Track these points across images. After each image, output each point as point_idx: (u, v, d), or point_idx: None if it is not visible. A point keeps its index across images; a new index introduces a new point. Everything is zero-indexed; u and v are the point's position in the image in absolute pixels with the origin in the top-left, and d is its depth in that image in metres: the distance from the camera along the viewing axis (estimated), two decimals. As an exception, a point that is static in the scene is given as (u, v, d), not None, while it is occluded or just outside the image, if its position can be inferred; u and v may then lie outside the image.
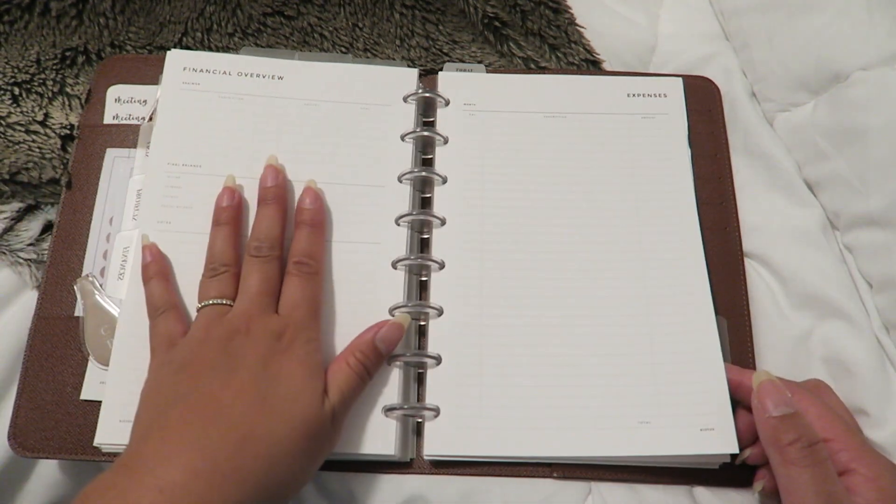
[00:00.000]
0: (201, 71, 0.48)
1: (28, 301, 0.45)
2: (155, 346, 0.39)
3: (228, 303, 0.40)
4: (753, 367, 0.44)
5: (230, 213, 0.43)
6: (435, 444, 0.41)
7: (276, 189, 0.44)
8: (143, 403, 0.37)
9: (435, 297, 0.44)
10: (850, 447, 0.36)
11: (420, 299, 0.45)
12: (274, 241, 0.42)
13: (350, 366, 0.39)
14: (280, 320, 0.39)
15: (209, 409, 0.34)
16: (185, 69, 0.48)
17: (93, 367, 0.42)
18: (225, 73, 0.48)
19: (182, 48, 0.54)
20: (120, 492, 0.31)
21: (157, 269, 0.42)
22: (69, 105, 0.51)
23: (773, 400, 0.36)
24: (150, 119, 0.48)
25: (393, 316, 0.43)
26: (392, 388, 0.42)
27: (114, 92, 0.50)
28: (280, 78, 0.49)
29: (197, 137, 0.46)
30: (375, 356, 0.40)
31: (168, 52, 0.48)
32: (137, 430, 0.35)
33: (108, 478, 0.32)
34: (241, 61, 0.49)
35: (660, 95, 0.50)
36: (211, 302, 0.40)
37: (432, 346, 0.43)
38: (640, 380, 0.42)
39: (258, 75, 0.48)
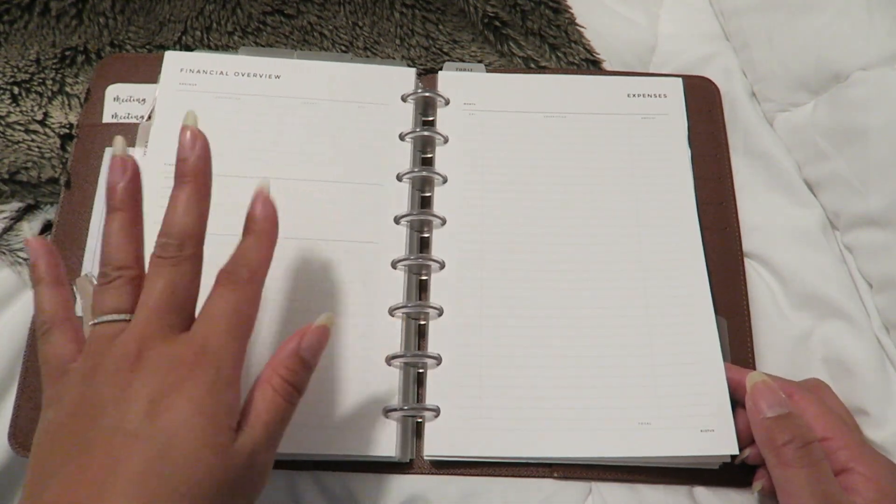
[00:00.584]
0: (198, 72, 0.48)
1: (28, 301, 0.45)
2: (44, 375, 0.32)
3: (126, 318, 0.31)
4: (753, 367, 0.44)
5: (127, 192, 0.33)
6: (435, 444, 0.41)
7: (197, 162, 0.33)
8: (31, 457, 0.30)
9: (435, 297, 0.44)
10: (849, 446, 0.36)
11: (420, 299, 0.45)
12: (187, 235, 0.32)
13: (275, 389, 0.32)
14: (183, 344, 0.30)
15: (86, 490, 0.27)
16: (182, 70, 0.48)
17: (92, 367, 0.42)
18: (222, 73, 0.48)
19: (182, 47, 0.54)
20: None
21: (46, 271, 0.33)
22: (69, 104, 0.50)
23: (768, 401, 0.36)
24: (149, 118, 0.48)
25: (392, 316, 0.43)
26: (392, 389, 0.42)
27: (113, 91, 0.50)
28: (277, 77, 0.49)
29: (201, 122, 0.46)
30: (304, 370, 0.33)
31: (165, 54, 0.48)
32: (23, 494, 0.29)
33: None
34: (238, 61, 0.49)
35: (660, 96, 0.50)
36: (105, 319, 0.31)
37: (432, 347, 0.43)
38: (639, 380, 0.42)
39: (255, 75, 0.48)
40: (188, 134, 0.34)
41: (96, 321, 0.31)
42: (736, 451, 0.39)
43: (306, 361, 0.33)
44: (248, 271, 0.33)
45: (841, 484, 0.35)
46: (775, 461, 0.36)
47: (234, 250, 0.33)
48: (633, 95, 0.50)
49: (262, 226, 0.34)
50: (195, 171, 0.33)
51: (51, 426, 0.30)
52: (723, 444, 0.40)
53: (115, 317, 0.31)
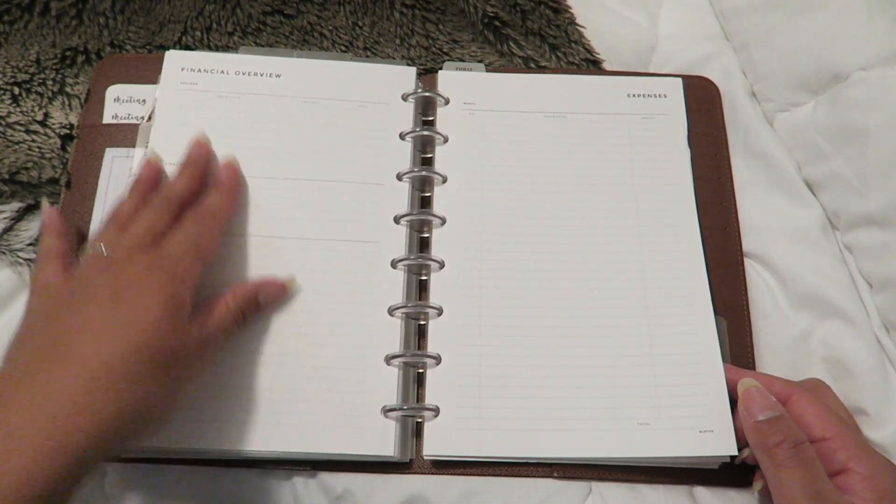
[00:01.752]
0: (199, 71, 0.48)
1: (28, 301, 0.45)
2: (31, 292, 0.39)
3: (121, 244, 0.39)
4: (753, 368, 0.44)
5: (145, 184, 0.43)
6: (435, 444, 0.41)
7: (200, 158, 0.44)
8: (9, 345, 0.36)
9: (434, 296, 0.44)
10: (847, 446, 0.36)
11: (419, 299, 0.45)
12: (178, 197, 0.41)
13: (228, 307, 0.40)
14: (150, 255, 0.38)
15: (57, 349, 0.34)
16: (182, 69, 0.48)
17: (92, 367, 0.42)
18: (222, 72, 0.48)
19: (182, 47, 0.54)
20: None
21: (54, 227, 0.41)
22: (69, 105, 0.51)
23: (759, 405, 0.37)
24: (149, 118, 0.48)
25: (392, 315, 0.43)
26: (391, 388, 0.42)
27: (113, 91, 0.50)
28: (278, 76, 0.49)
29: (201, 122, 0.46)
30: (254, 308, 0.42)
31: (166, 53, 0.48)
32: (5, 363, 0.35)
33: None
34: (239, 60, 0.49)
35: (659, 96, 0.50)
36: (92, 248, 0.39)
37: (432, 346, 0.43)
38: (639, 380, 0.42)
39: (256, 74, 0.48)
40: (196, 139, 0.44)
41: (90, 247, 0.39)
42: (735, 452, 0.39)
43: (259, 303, 0.42)
44: (210, 214, 0.42)
45: (838, 484, 0.35)
46: (768, 463, 0.36)
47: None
48: (633, 95, 0.50)
49: (227, 184, 0.44)
50: (198, 159, 0.44)
51: (30, 316, 0.37)
52: (722, 444, 0.40)
53: (101, 247, 0.39)
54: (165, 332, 0.36)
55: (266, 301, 0.42)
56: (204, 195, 0.43)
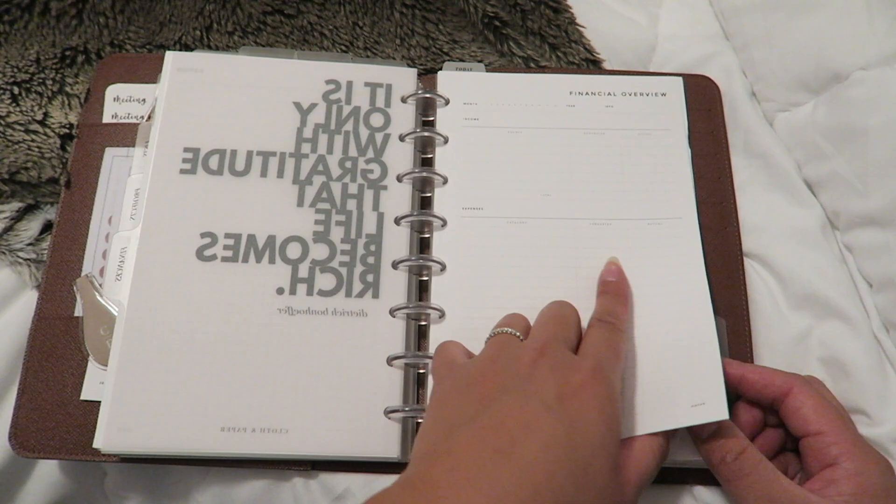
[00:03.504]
0: (199, 71, 0.48)
1: (28, 301, 0.45)
2: (436, 367, 0.38)
3: (520, 335, 0.36)
4: (753, 366, 0.44)
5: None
6: (435, 444, 0.41)
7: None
8: (428, 418, 0.33)
9: (435, 297, 0.44)
10: (840, 441, 0.36)
11: (420, 300, 0.45)
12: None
13: (660, 443, 0.35)
14: (579, 358, 0.34)
15: (499, 440, 0.30)
16: (182, 70, 0.48)
17: (93, 367, 0.42)
18: (222, 73, 0.48)
19: (181, 47, 0.53)
20: None
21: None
22: (69, 104, 0.50)
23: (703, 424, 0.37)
24: (149, 118, 0.48)
25: (393, 317, 0.43)
26: (393, 389, 0.42)
27: (112, 91, 0.50)
28: (278, 77, 0.48)
29: (201, 123, 0.47)
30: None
31: (166, 53, 0.48)
32: (421, 446, 0.32)
33: (393, 495, 0.29)
34: (239, 61, 0.49)
35: (659, 94, 0.50)
36: (501, 331, 0.36)
37: (433, 347, 0.43)
38: (639, 380, 0.42)
39: (255, 75, 0.48)
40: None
41: (492, 334, 0.37)
42: (726, 416, 0.39)
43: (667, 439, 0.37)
44: (614, 318, 0.39)
45: (824, 477, 0.36)
46: (721, 479, 0.37)
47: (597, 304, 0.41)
48: (633, 95, 0.50)
49: (616, 288, 0.41)
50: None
51: (449, 393, 0.34)
52: (714, 412, 0.39)
53: (511, 330, 0.36)
54: (603, 461, 0.31)
55: None
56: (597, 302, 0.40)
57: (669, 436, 0.36)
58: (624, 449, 0.34)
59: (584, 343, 0.36)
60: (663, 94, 0.50)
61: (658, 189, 0.47)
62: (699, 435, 0.38)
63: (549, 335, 0.35)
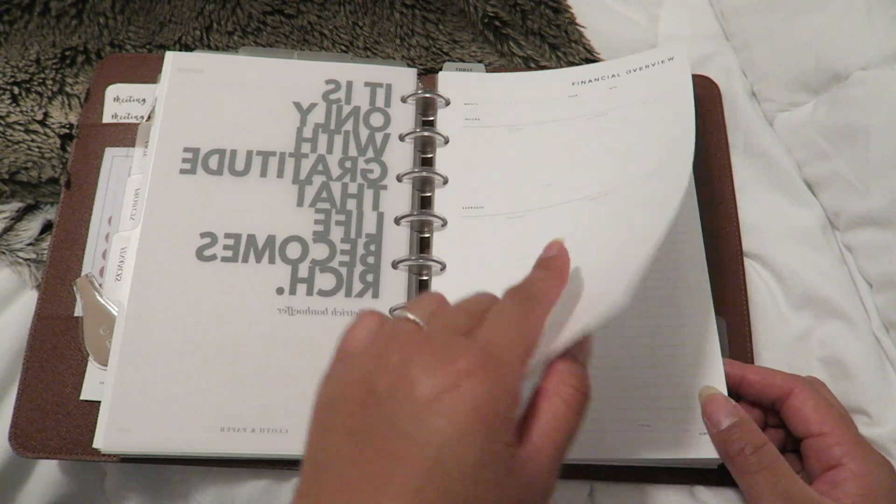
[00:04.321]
0: (199, 72, 0.48)
1: (28, 301, 0.45)
2: (334, 356, 0.32)
3: (420, 321, 0.30)
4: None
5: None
6: (435, 444, 0.41)
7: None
8: (313, 426, 0.29)
9: (435, 297, 0.44)
10: (843, 442, 0.36)
11: (420, 299, 0.45)
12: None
13: (566, 401, 0.29)
14: (466, 343, 0.28)
15: (371, 485, 0.26)
16: (182, 70, 0.48)
17: (93, 367, 0.42)
18: (222, 73, 0.48)
19: (181, 47, 0.54)
20: None
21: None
22: (69, 104, 0.50)
23: (721, 412, 0.37)
24: (149, 118, 0.48)
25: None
26: (393, 388, 0.42)
27: (112, 91, 0.50)
28: (277, 78, 0.48)
29: (201, 123, 0.47)
30: (586, 378, 0.30)
31: (166, 54, 0.48)
32: (303, 469, 0.28)
33: None
34: (238, 61, 0.49)
35: (666, 61, 0.48)
36: (405, 314, 0.31)
37: (432, 347, 0.43)
38: (639, 381, 0.42)
39: (255, 75, 0.48)
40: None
41: (396, 308, 0.31)
42: None
43: (585, 367, 0.30)
44: (536, 293, 0.32)
45: (828, 479, 0.36)
46: (735, 470, 0.37)
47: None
48: (637, 70, 0.49)
49: (554, 263, 0.35)
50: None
51: (326, 401, 0.29)
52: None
53: (412, 316, 0.30)
54: (486, 479, 0.26)
55: (588, 355, 0.31)
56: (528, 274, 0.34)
57: (582, 370, 0.30)
58: (529, 426, 0.28)
59: (485, 321, 0.30)
60: (670, 59, 0.49)
61: (658, 188, 0.47)
62: (717, 425, 0.37)
63: (436, 322, 0.30)
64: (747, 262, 0.48)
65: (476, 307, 0.31)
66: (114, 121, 0.49)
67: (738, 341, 0.45)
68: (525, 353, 0.29)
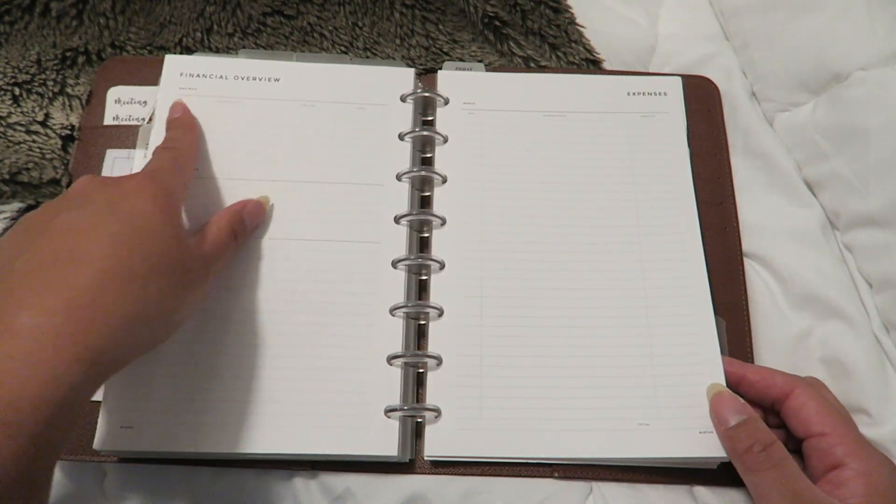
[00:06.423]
0: (198, 76, 0.48)
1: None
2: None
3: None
4: (753, 367, 0.44)
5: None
6: (435, 444, 0.41)
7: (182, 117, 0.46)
8: None
9: (435, 297, 0.44)
10: (845, 442, 0.36)
11: (420, 299, 0.45)
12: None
13: (220, 227, 0.40)
14: (136, 175, 0.38)
15: (58, 253, 0.32)
16: (181, 74, 0.48)
17: (93, 368, 0.42)
18: (222, 77, 0.48)
19: (182, 48, 0.54)
20: None
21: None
22: (70, 105, 0.51)
23: (728, 410, 0.37)
24: (150, 120, 0.48)
25: (393, 316, 0.43)
26: (393, 388, 0.42)
27: (114, 93, 0.50)
28: (277, 80, 0.49)
29: (200, 124, 0.47)
30: (242, 227, 0.42)
31: (165, 57, 0.48)
32: None
33: None
34: (238, 64, 0.49)
35: (659, 94, 0.50)
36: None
37: (432, 347, 0.43)
38: (639, 381, 0.42)
39: (255, 78, 0.48)
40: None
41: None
42: None
43: (244, 221, 0.43)
44: (175, 142, 0.43)
45: (832, 479, 0.36)
46: (742, 468, 0.37)
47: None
48: (633, 94, 0.50)
49: (182, 121, 0.45)
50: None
51: (9, 237, 0.34)
52: (720, 446, 0.40)
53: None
54: (168, 237, 0.35)
55: (251, 221, 0.43)
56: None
57: (238, 232, 0.42)
58: (198, 231, 0.40)
59: (149, 162, 0.40)
60: (663, 94, 0.50)
61: (658, 189, 0.47)
62: (725, 422, 0.38)
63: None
64: (747, 263, 0.48)
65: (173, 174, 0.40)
66: (115, 123, 0.49)
67: (737, 341, 0.45)
68: (180, 175, 0.40)
